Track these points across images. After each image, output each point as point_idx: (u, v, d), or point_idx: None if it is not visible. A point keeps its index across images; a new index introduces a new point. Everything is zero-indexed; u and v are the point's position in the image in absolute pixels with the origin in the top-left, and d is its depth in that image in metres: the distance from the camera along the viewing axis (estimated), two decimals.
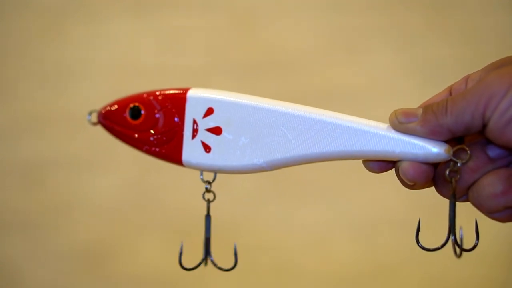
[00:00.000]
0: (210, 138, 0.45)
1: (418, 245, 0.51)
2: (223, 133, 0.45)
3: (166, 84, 1.60)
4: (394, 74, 1.34)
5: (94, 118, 0.49)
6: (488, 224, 1.33)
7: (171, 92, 0.47)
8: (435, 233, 1.34)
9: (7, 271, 1.41)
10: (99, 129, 1.47)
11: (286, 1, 1.36)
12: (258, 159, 0.45)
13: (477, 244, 0.49)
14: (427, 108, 0.45)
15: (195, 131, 0.45)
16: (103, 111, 0.49)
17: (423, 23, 1.36)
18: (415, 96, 1.34)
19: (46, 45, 1.36)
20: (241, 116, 0.44)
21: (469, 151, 0.44)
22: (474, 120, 0.43)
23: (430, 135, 0.44)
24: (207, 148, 0.45)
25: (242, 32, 1.35)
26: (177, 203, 1.37)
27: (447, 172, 0.44)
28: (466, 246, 0.49)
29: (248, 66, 1.34)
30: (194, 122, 0.45)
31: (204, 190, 0.50)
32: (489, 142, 0.44)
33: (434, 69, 1.34)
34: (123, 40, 1.36)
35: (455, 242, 0.49)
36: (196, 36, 1.35)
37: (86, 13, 1.37)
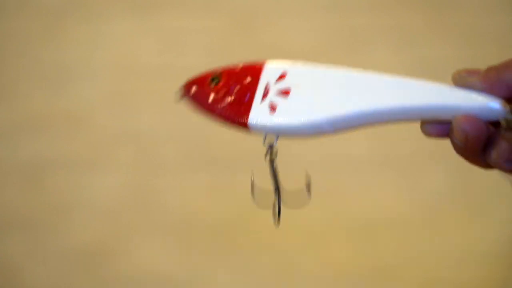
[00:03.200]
0: (278, 100, 0.46)
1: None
2: (291, 94, 0.46)
3: (166, 84, 1.61)
4: (394, 74, 1.34)
5: (180, 93, 0.52)
6: (488, 225, 1.34)
7: (250, 63, 0.50)
8: (435, 233, 1.34)
9: (7, 271, 1.41)
10: (99, 129, 1.47)
11: (286, 1, 1.36)
12: (320, 116, 0.46)
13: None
14: (490, 66, 0.45)
15: (265, 94, 0.46)
16: (189, 79, 0.52)
17: (423, 23, 1.36)
18: None
19: (46, 45, 1.36)
20: (311, 78, 0.47)
21: None
22: None
23: (489, 90, 0.44)
24: (273, 108, 0.46)
25: (242, 32, 1.35)
26: (177, 204, 1.38)
27: (503, 121, 0.43)
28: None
29: None
30: (267, 86, 0.47)
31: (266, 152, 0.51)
32: None
33: (434, 69, 1.34)
34: (123, 40, 1.36)
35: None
36: (196, 36, 1.35)
37: (86, 13, 1.37)
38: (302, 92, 0.46)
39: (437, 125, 0.46)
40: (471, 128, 0.44)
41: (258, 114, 0.47)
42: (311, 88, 0.46)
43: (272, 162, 0.54)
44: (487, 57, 1.39)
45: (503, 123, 0.43)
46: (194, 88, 0.51)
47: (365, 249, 1.38)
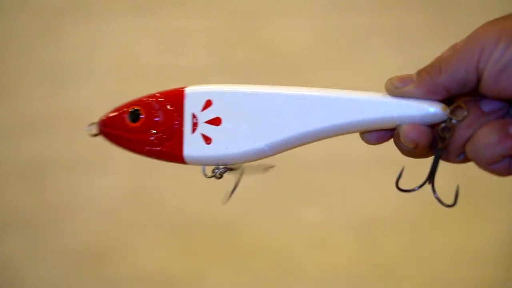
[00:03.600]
0: (210, 130, 0.44)
1: (398, 188, 0.52)
2: (223, 122, 0.44)
3: (166, 84, 1.60)
4: (394, 74, 1.34)
5: (93, 129, 0.49)
6: (488, 225, 1.34)
7: (169, 91, 0.47)
8: (435, 233, 1.34)
9: (7, 271, 1.41)
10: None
11: (286, 1, 1.36)
12: (260, 143, 0.44)
13: (454, 204, 0.49)
14: (420, 71, 0.46)
15: (194, 125, 0.44)
16: (103, 119, 0.50)
17: (423, 23, 1.36)
18: None
19: (46, 45, 1.36)
20: (239, 103, 0.45)
21: (465, 107, 0.44)
22: (468, 75, 0.43)
23: (427, 95, 0.44)
24: (207, 140, 0.45)
25: (242, 32, 1.35)
26: (177, 204, 1.37)
27: (440, 127, 0.44)
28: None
29: (248, 66, 1.35)
30: (194, 116, 0.45)
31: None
32: (482, 97, 0.44)
33: None
34: (123, 40, 1.36)
35: (432, 190, 0.49)
36: (196, 36, 1.35)
37: (86, 13, 1.37)
38: (235, 119, 0.44)
39: (377, 133, 0.47)
40: (418, 136, 0.44)
41: (192, 147, 0.45)
42: (242, 113, 0.44)
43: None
44: None
45: (447, 124, 0.44)
46: (111, 129, 0.50)
47: (365, 249, 1.38)
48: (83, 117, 1.38)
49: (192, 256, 1.38)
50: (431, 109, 0.44)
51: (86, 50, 1.37)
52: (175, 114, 0.45)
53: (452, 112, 0.44)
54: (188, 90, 0.46)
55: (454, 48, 0.45)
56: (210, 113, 0.44)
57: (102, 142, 1.44)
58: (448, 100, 0.45)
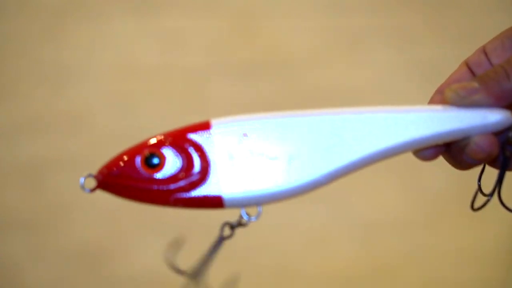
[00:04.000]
0: (250, 164, 0.38)
1: (473, 209, 0.48)
2: (266, 155, 0.39)
3: (166, 84, 1.60)
4: (394, 74, 1.34)
5: (89, 183, 0.43)
6: (488, 225, 1.33)
7: (192, 126, 0.40)
8: (435, 233, 1.34)
9: (7, 271, 1.41)
10: (99, 129, 1.47)
11: (286, 1, 1.36)
12: (315, 172, 0.39)
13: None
14: (484, 77, 0.43)
15: (230, 161, 0.38)
16: (106, 169, 0.41)
17: (423, 23, 1.36)
18: (415, 96, 1.34)
19: (46, 45, 1.36)
20: (282, 132, 0.39)
21: None
22: None
23: (496, 102, 0.42)
24: (248, 176, 0.38)
25: (242, 32, 1.35)
26: None
27: (510, 134, 0.42)
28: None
29: (248, 66, 1.34)
30: (228, 151, 0.38)
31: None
32: None
33: (434, 69, 1.34)
34: (123, 40, 1.36)
35: (499, 197, 0.46)
36: (196, 36, 1.35)
37: (86, 13, 1.37)
38: (278, 150, 0.38)
39: (435, 148, 0.45)
40: (491, 146, 0.43)
41: (233, 186, 0.38)
42: (287, 144, 0.38)
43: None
44: None
45: None
46: (121, 180, 0.43)
47: (365, 249, 1.38)
48: (83, 117, 1.39)
49: (192, 256, 1.38)
50: (500, 117, 0.42)
51: (86, 50, 1.37)
52: (204, 153, 0.38)
53: None
54: (215, 122, 0.39)
55: None
56: (247, 146, 0.38)
57: (102, 142, 1.45)
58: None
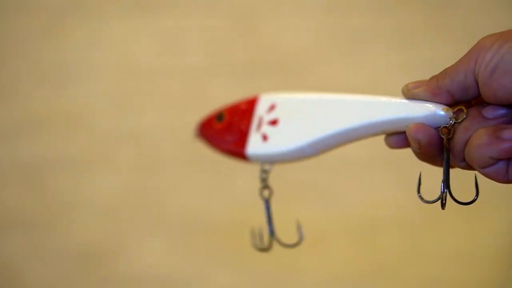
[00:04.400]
0: (269, 130, 0.51)
1: (419, 198, 0.55)
2: (279, 123, 0.50)
3: (166, 84, 1.60)
4: (394, 74, 1.34)
5: (195, 129, 0.56)
6: (487, 225, 1.33)
7: (247, 98, 0.53)
8: (435, 233, 1.34)
9: (7, 271, 1.41)
10: (99, 129, 1.47)
11: (286, 1, 1.36)
12: (301, 142, 0.50)
13: (476, 199, 0.51)
14: (433, 76, 0.48)
15: (259, 126, 0.51)
16: (200, 120, 0.57)
17: (423, 23, 1.36)
18: None
19: (46, 45, 1.36)
20: (295, 108, 0.50)
21: (466, 110, 0.45)
22: (467, 78, 0.45)
23: (432, 97, 0.47)
24: (265, 138, 0.51)
25: (242, 32, 1.35)
26: (177, 204, 1.37)
27: (440, 127, 0.46)
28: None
29: (248, 66, 1.35)
30: (260, 118, 0.51)
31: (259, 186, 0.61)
32: (485, 104, 0.45)
33: (434, 69, 1.34)
34: (123, 40, 1.36)
35: (449, 194, 0.52)
36: (196, 36, 1.35)
37: (86, 13, 1.37)
38: (288, 121, 0.50)
39: (398, 137, 0.50)
40: (422, 135, 0.46)
41: (253, 146, 0.51)
42: (295, 116, 0.50)
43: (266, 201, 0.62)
44: None
45: (449, 127, 0.46)
46: (203, 128, 0.55)
47: (365, 249, 1.38)
48: (83, 117, 1.39)
49: (192, 256, 1.38)
50: (436, 110, 0.46)
51: (86, 50, 1.37)
52: (247, 117, 0.52)
53: (454, 115, 0.46)
54: (262, 96, 0.53)
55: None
56: (271, 115, 0.50)
57: (102, 142, 1.45)
58: (455, 105, 0.47)
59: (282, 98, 0.51)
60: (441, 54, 1.35)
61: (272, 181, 1.38)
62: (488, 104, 0.45)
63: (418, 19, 1.36)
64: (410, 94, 0.48)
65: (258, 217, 1.40)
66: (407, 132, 0.47)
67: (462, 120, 0.45)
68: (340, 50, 1.35)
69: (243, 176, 1.36)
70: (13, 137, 1.38)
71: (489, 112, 0.45)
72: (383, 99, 0.49)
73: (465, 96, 0.46)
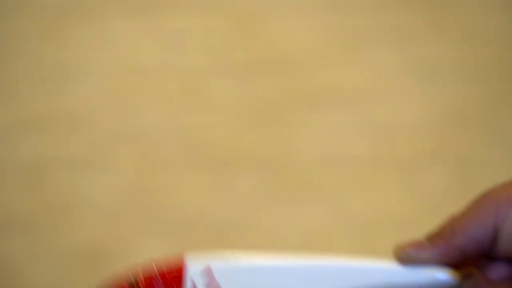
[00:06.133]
0: None
1: None
2: None
3: (166, 84, 1.60)
4: (394, 74, 1.34)
5: None
6: None
7: (170, 261, 0.44)
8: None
9: (7, 271, 1.41)
10: (99, 129, 1.47)
11: (286, 1, 1.36)
12: None
13: None
14: (432, 234, 0.43)
15: None
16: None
17: (423, 23, 1.36)
18: (415, 96, 1.34)
19: (45, 45, 1.36)
20: (239, 275, 0.43)
21: (475, 273, 0.41)
22: (486, 234, 0.41)
23: (441, 260, 0.42)
24: None
25: (242, 32, 1.35)
26: (177, 204, 1.37)
27: None
28: None
29: (248, 66, 1.34)
30: (193, 285, 0.43)
31: None
32: (492, 261, 0.42)
33: (434, 69, 1.34)
34: (123, 40, 1.36)
35: None
36: (196, 36, 1.35)
37: (86, 12, 1.37)
38: None
39: None
40: None
41: None
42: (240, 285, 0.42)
43: None
44: (487, 57, 1.39)
45: None
46: None
47: (365, 248, 1.38)
48: (83, 117, 1.39)
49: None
50: (441, 276, 0.42)
51: (86, 50, 1.37)
52: (177, 283, 0.43)
53: (463, 278, 0.42)
54: (189, 261, 0.44)
55: (465, 211, 0.43)
56: (209, 281, 0.42)
57: (102, 142, 1.44)
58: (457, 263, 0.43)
59: (219, 261, 0.42)
60: (441, 54, 1.35)
61: (273, 181, 1.38)
62: (495, 259, 0.42)
63: (418, 19, 1.36)
64: (412, 260, 0.43)
65: (258, 217, 1.40)
66: None
67: (473, 286, 0.41)
68: (340, 50, 1.35)
69: (243, 176, 1.36)
70: (13, 137, 1.38)
71: (495, 272, 0.42)
72: (376, 264, 0.43)
73: (477, 253, 0.42)
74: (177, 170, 1.36)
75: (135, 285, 0.43)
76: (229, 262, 0.43)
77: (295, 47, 1.36)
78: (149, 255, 1.37)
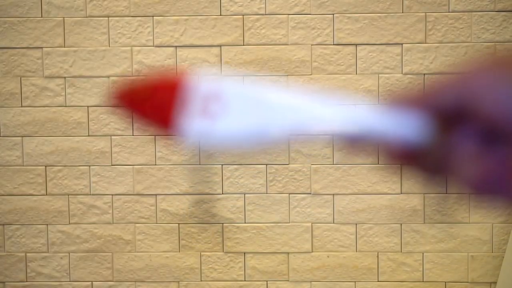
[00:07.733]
0: (210, 112, 0.49)
1: None
2: (221, 107, 0.48)
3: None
4: (395, 74, 1.34)
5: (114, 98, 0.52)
6: (487, 225, 1.32)
7: (179, 74, 0.51)
8: (435, 233, 1.33)
9: (9, 269, 1.41)
10: (99, 129, 1.47)
11: (286, 1, 1.36)
12: (236, 133, 0.48)
13: None
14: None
15: (197, 105, 0.49)
16: (122, 88, 0.54)
17: (423, 23, 1.36)
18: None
19: (46, 44, 1.36)
20: (240, 96, 0.48)
21: None
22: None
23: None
24: (206, 118, 0.48)
25: (243, 32, 1.35)
26: (177, 204, 1.37)
27: None
28: None
29: (248, 66, 1.34)
30: (198, 96, 0.48)
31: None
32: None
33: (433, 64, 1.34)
34: (123, 39, 1.36)
35: None
36: (196, 36, 1.35)
37: (86, 12, 1.37)
38: (229, 107, 0.48)
39: None
40: None
41: (193, 121, 0.48)
42: (239, 103, 0.48)
43: None
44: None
45: None
46: (127, 99, 0.51)
47: (365, 249, 1.38)
48: (83, 117, 1.39)
49: (193, 256, 1.38)
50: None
51: (86, 50, 1.37)
52: (186, 94, 0.49)
53: None
54: (201, 73, 0.49)
55: None
56: (214, 98, 0.48)
57: (102, 142, 1.44)
58: None
59: (228, 82, 0.49)
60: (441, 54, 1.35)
61: (273, 181, 1.38)
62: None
63: (418, 19, 1.36)
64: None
65: (258, 217, 1.40)
66: None
67: None
68: (340, 50, 1.35)
69: (243, 175, 1.36)
70: (14, 137, 1.38)
71: None
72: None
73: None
74: (178, 171, 1.36)
75: (148, 85, 0.49)
76: (234, 84, 0.48)
77: (295, 47, 1.36)
78: (149, 255, 1.36)
